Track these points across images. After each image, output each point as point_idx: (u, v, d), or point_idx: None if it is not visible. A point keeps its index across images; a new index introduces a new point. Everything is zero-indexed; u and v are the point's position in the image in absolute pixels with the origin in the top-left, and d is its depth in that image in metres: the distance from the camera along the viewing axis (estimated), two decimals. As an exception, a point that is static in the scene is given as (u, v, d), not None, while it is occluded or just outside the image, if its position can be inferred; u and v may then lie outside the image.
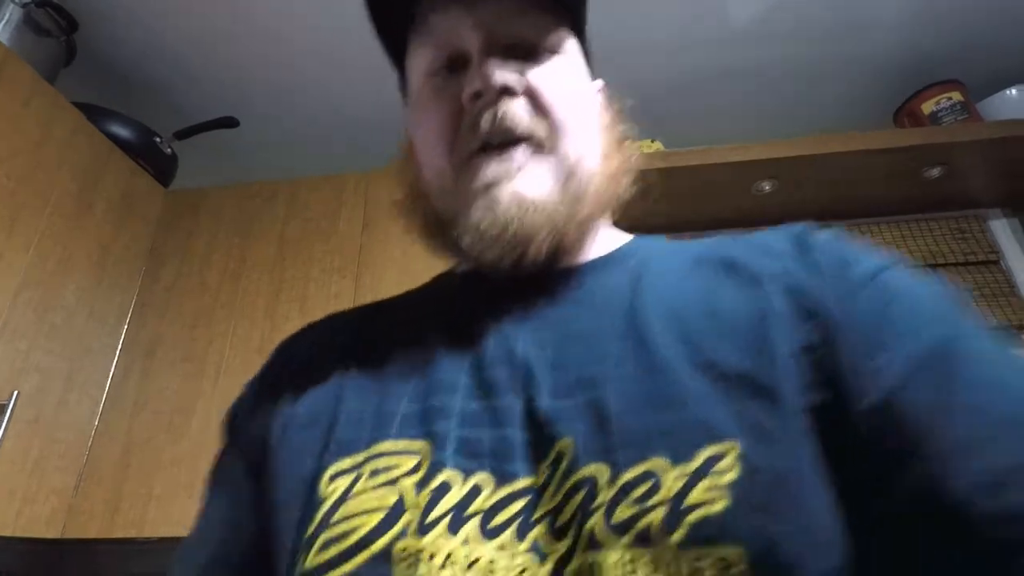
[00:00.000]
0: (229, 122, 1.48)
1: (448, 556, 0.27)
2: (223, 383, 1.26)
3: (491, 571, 0.26)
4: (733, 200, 1.37)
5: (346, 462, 0.32)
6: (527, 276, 0.37)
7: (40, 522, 1.11)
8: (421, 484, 0.29)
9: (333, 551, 0.28)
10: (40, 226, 1.13)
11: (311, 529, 0.30)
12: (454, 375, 0.34)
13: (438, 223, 0.38)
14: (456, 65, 0.39)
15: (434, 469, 0.29)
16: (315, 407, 0.36)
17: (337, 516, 0.29)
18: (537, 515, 0.27)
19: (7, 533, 1.04)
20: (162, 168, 1.49)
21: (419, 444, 0.31)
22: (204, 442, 1.21)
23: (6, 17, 1.18)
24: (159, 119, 1.51)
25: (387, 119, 1.65)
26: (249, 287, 1.36)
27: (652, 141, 1.40)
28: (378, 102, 1.58)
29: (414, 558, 0.27)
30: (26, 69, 1.13)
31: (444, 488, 0.29)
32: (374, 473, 0.31)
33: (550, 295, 0.37)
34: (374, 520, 0.29)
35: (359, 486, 0.30)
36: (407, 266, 1.32)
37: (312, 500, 0.31)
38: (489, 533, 0.27)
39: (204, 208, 1.48)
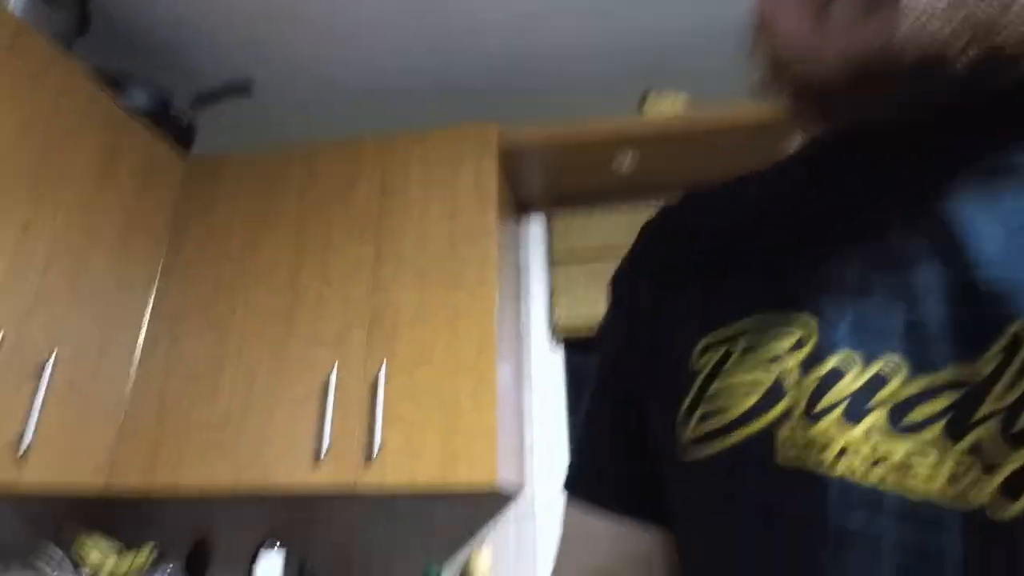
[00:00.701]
0: (243, 86, 1.46)
1: (846, 447, 0.22)
2: (247, 349, 1.29)
3: (908, 468, 0.21)
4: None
5: (718, 333, 0.29)
6: (948, 109, 0.26)
7: (84, 474, 1.16)
8: (806, 365, 0.25)
9: (712, 424, 0.27)
10: (65, 195, 1.15)
11: (688, 400, 0.29)
12: (844, 243, 0.27)
13: (808, 91, 0.29)
14: None
15: (823, 349, 0.25)
16: (690, 279, 0.34)
17: (712, 391, 0.28)
18: (980, 414, 0.21)
19: (54, 482, 1.10)
20: (180, 135, 1.49)
21: (801, 318, 0.26)
22: (232, 406, 1.24)
23: (18, -16, 1.16)
24: (176, 85, 1.50)
25: (404, 81, 1.62)
26: (270, 253, 1.37)
27: (677, 93, 1.35)
28: (393, 65, 1.55)
29: (803, 447, 0.23)
30: (40, 40, 1.12)
31: (837, 373, 0.24)
32: (748, 348, 0.27)
33: (989, 129, 0.26)
34: (750, 400, 0.26)
35: (732, 360, 0.28)
36: (426, 229, 1.31)
37: (685, 371, 0.30)
38: (903, 429, 0.22)
39: (224, 175, 1.48)
